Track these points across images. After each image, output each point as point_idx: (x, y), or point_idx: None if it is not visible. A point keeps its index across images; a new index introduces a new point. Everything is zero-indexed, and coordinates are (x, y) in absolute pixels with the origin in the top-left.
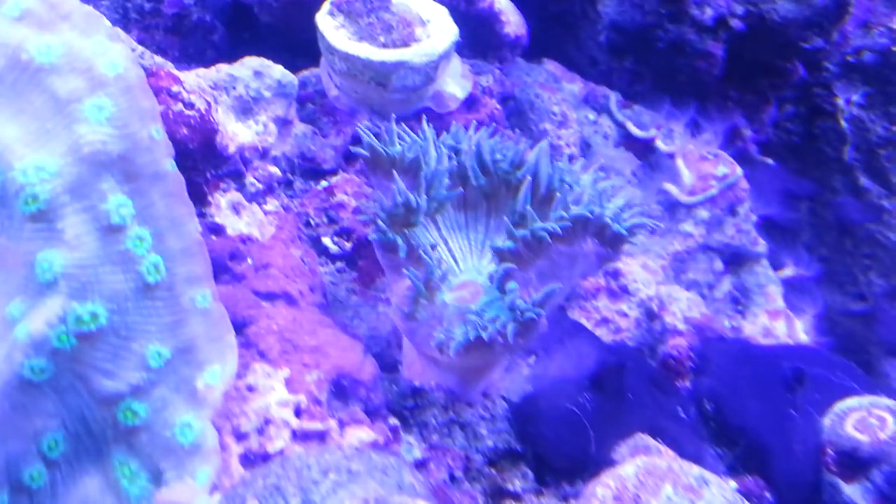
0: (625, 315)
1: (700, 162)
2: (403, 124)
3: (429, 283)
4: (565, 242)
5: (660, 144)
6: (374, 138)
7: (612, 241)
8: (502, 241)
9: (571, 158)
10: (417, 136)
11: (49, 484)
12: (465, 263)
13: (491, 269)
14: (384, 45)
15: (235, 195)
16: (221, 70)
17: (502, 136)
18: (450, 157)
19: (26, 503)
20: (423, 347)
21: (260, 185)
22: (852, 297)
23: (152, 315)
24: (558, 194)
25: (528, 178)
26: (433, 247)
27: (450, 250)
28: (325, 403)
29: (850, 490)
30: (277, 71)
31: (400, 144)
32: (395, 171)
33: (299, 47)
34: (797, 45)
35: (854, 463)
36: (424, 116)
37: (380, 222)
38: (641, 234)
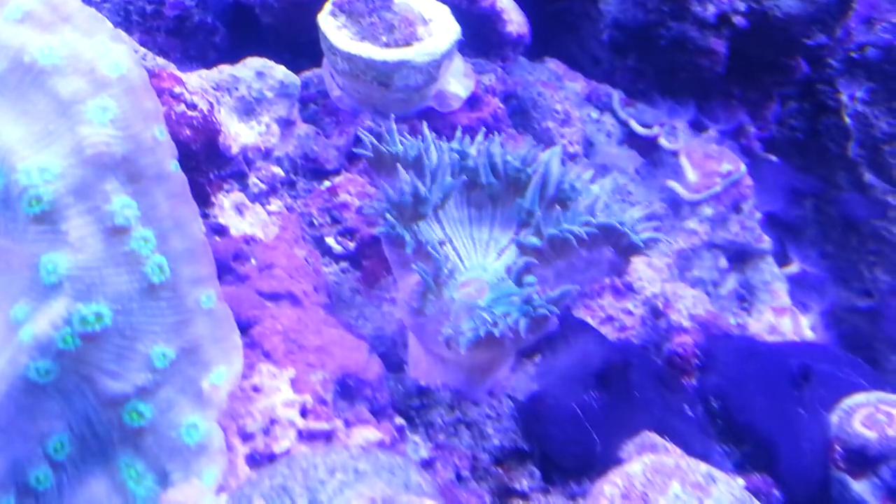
0: (630, 313)
1: (704, 159)
2: (404, 127)
3: (437, 278)
4: (588, 248)
5: (663, 142)
6: (374, 139)
7: (626, 251)
8: (530, 237)
9: (574, 157)
10: (417, 137)
11: (55, 486)
12: (469, 262)
13: (497, 266)
14: (386, 45)
15: (239, 196)
16: (224, 71)
17: (508, 140)
18: (453, 161)
19: None
20: (431, 343)
21: (263, 186)
22: (858, 294)
23: (157, 316)
24: (572, 201)
25: (540, 171)
26: (441, 243)
27: (454, 249)
28: (330, 403)
29: (858, 487)
30: (280, 71)
31: (401, 144)
32: (399, 166)
33: (301, 48)
34: (800, 41)
35: (862, 459)
36: (424, 122)
37: (388, 216)
38: (654, 247)
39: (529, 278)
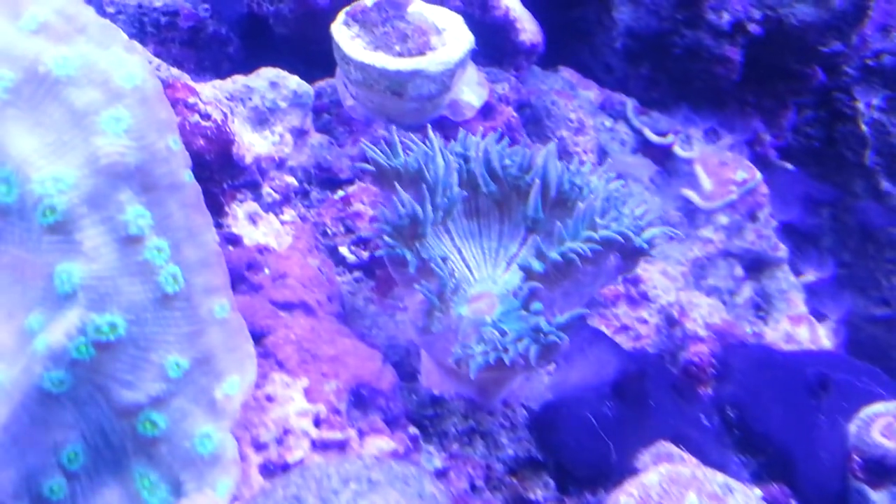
0: (645, 322)
1: (719, 167)
2: (412, 134)
3: (442, 296)
4: (593, 263)
5: (678, 150)
6: (377, 152)
7: (633, 255)
8: (533, 261)
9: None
10: (425, 144)
11: (69, 496)
12: (479, 273)
13: (507, 278)
14: (399, 54)
15: (252, 205)
16: (237, 81)
17: (511, 142)
18: (459, 165)
19: None
20: (441, 360)
21: (277, 196)
22: (875, 302)
23: (171, 325)
24: (580, 204)
25: (538, 181)
26: (444, 259)
27: (464, 260)
28: (344, 413)
29: (877, 497)
30: (293, 81)
31: (406, 155)
32: (397, 184)
33: (314, 58)
34: (816, 49)
35: (881, 469)
36: (429, 126)
37: (386, 237)
38: (660, 244)
39: (536, 305)
